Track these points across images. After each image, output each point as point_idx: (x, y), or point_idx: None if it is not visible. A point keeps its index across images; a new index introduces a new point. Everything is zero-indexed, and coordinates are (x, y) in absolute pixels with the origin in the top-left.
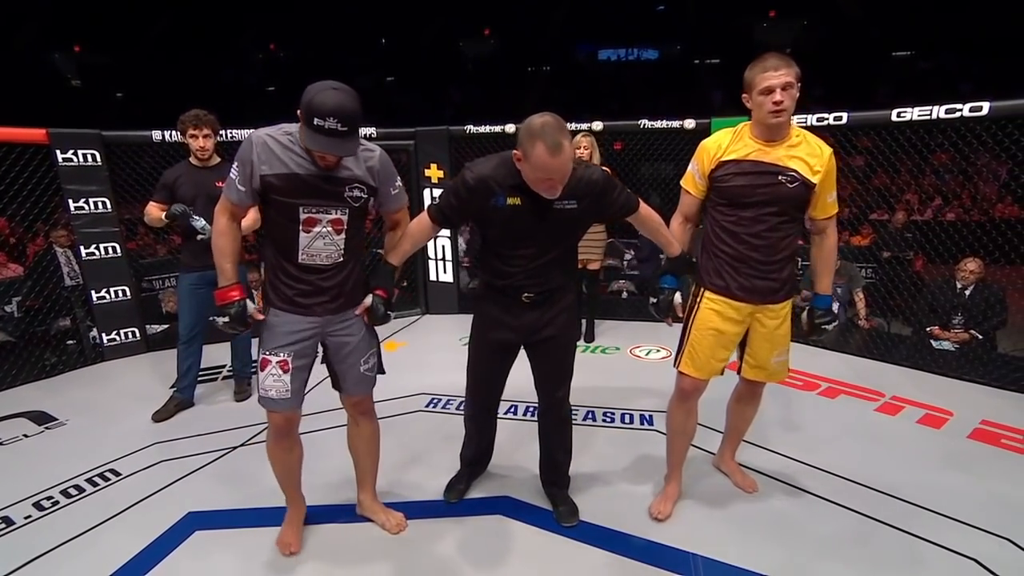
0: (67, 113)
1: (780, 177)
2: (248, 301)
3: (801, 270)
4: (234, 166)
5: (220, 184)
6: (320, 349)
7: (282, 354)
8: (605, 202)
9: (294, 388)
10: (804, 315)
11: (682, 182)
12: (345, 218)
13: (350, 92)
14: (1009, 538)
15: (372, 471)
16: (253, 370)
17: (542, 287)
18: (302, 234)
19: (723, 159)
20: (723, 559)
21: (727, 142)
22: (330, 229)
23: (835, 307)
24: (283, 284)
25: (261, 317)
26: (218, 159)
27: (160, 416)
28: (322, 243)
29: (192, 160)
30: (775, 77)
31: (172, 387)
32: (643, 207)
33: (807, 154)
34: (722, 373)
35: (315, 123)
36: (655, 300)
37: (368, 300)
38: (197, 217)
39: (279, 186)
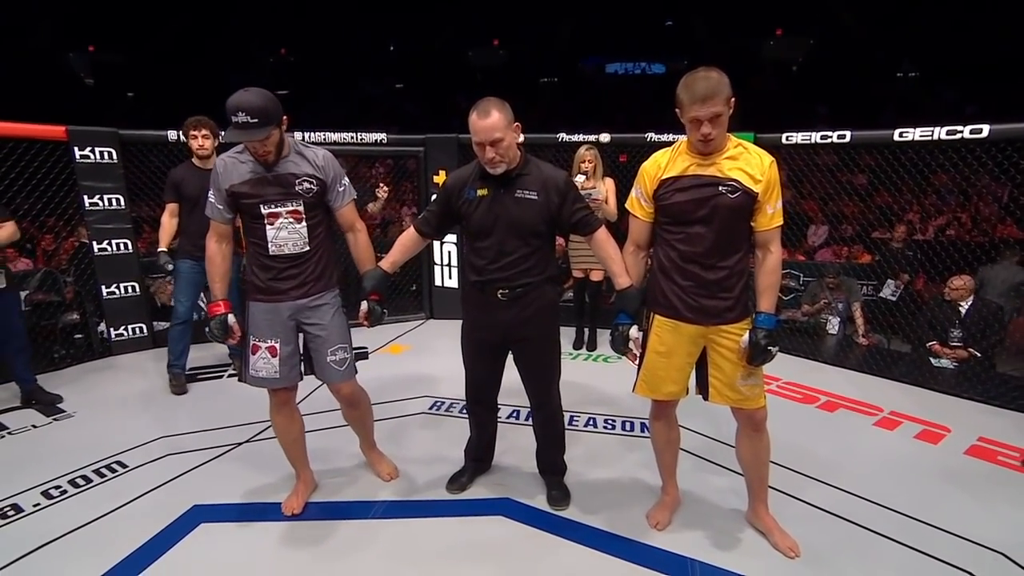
0: (77, 111)
1: (720, 188)
2: (230, 315)
3: (803, 286)
4: (210, 192)
5: None
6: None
7: (271, 340)
8: (564, 205)
9: (283, 370)
10: (745, 336)
11: (627, 205)
12: (302, 208)
13: (258, 91)
14: (1004, 553)
15: (365, 435)
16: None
17: (514, 282)
18: (268, 228)
19: (663, 177)
20: (721, 565)
21: (665, 161)
22: (291, 220)
23: (835, 322)
24: (258, 276)
25: (238, 333)
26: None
27: (178, 390)
28: (286, 233)
29: (194, 160)
30: (702, 110)
31: (176, 368)
32: (601, 232)
33: (746, 163)
34: (686, 394)
35: (231, 120)
36: (611, 338)
37: (364, 305)
38: (163, 261)
39: (241, 192)
